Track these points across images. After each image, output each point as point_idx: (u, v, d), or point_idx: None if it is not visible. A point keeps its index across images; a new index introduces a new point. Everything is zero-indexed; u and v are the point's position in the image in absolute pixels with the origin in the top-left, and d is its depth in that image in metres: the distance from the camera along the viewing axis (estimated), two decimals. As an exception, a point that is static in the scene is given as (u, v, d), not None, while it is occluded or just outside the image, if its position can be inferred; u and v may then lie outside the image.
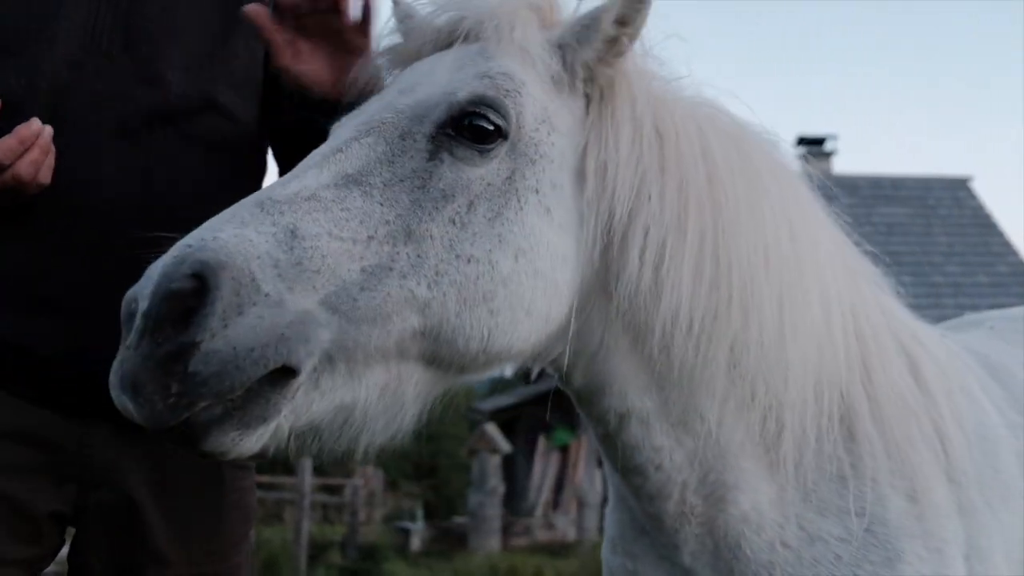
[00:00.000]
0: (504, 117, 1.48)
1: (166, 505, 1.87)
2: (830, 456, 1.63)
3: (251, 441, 1.27)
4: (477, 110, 1.46)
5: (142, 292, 1.24)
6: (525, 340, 1.47)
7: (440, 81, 1.52)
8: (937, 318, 2.69)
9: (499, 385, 27.66)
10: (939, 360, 1.82)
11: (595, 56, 1.57)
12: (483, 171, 1.45)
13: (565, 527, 17.68)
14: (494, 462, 16.43)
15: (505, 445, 16.90)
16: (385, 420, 1.42)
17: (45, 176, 1.72)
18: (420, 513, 18.60)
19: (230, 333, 1.21)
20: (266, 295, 1.24)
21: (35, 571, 1.84)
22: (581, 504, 17.31)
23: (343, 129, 1.52)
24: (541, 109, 1.53)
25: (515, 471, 20.89)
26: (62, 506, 1.83)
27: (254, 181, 2.03)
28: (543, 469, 20.11)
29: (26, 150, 1.68)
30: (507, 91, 1.50)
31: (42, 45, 1.82)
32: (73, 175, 1.78)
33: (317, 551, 13.87)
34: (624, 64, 1.60)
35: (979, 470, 1.73)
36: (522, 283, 1.43)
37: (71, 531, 1.92)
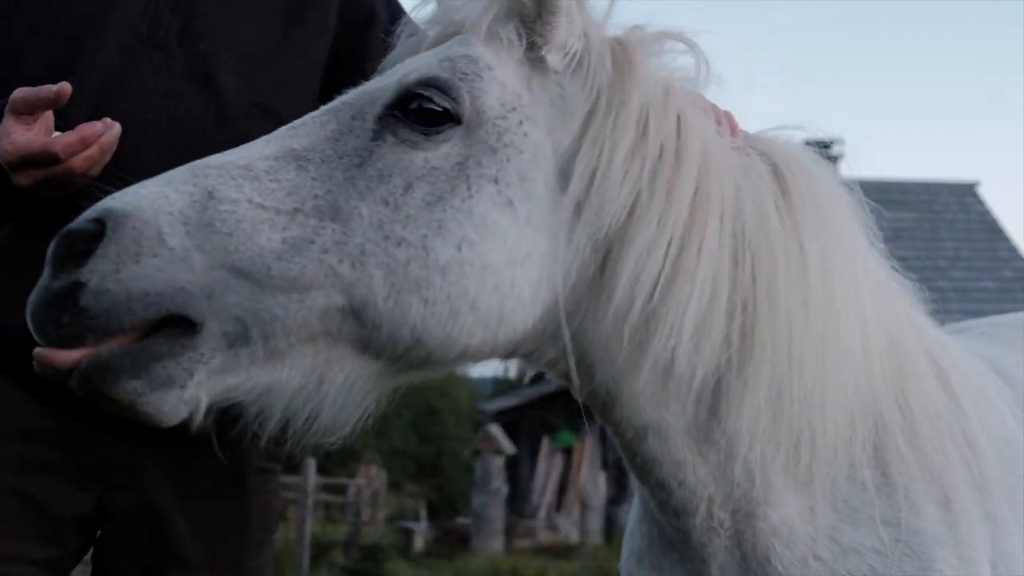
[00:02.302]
0: (455, 100, 1.41)
1: (189, 508, 1.87)
2: (863, 471, 1.59)
3: (161, 399, 1.29)
4: (423, 92, 1.41)
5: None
6: (471, 336, 1.39)
7: (411, 65, 1.48)
8: (943, 324, 2.68)
9: (503, 386, 27.66)
10: (962, 367, 1.79)
11: (563, 29, 1.46)
12: (428, 155, 1.40)
13: (568, 529, 17.68)
14: (498, 463, 16.44)
15: (509, 446, 16.91)
16: (315, 409, 1.38)
17: (96, 170, 1.71)
18: (423, 513, 18.61)
19: (123, 277, 1.27)
20: (171, 249, 1.29)
21: (58, 571, 1.84)
22: (584, 506, 17.30)
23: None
24: (512, 96, 1.45)
25: (518, 472, 20.90)
26: (84, 508, 1.82)
27: None
28: (546, 471, 20.11)
29: (86, 147, 1.68)
30: (465, 74, 1.43)
31: (96, 31, 1.82)
32: (118, 173, 1.78)
33: (320, 550, 13.88)
34: (634, 52, 1.49)
35: (1004, 475, 1.71)
36: (465, 275, 1.36)
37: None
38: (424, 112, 1.40)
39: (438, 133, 1.40)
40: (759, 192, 1.49)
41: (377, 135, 1.41)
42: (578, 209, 1.42)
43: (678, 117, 1.47)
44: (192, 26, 1.88)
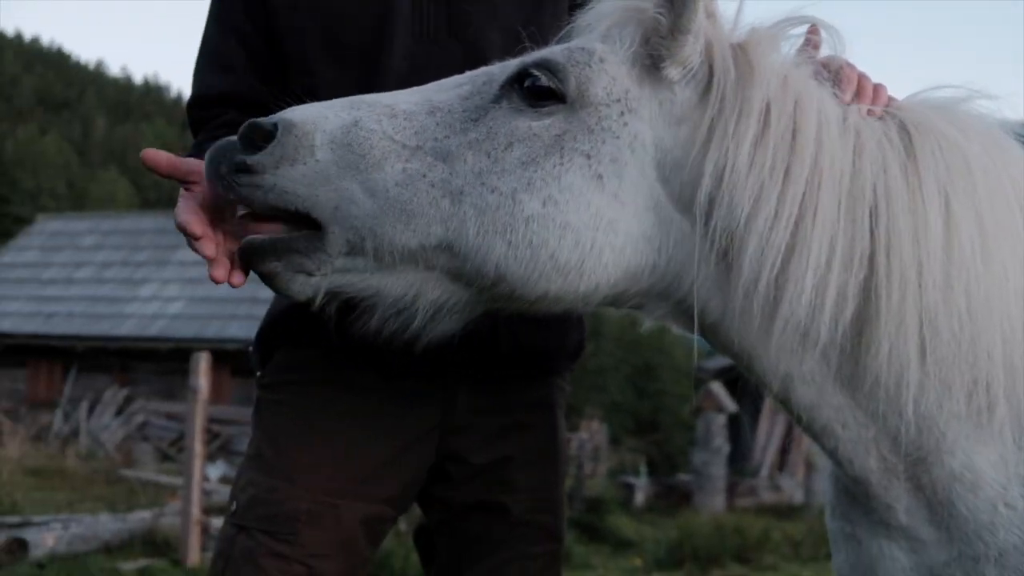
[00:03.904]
0: (562, 81, 1.60)
1: (519, 440, 2.13)
2: None
3: (291, 280, 1.61)
4: (536, 71, 1.61)
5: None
6: (549, 282, 1.58)
7: (546, 49, 1.69)
8: None
9: (724, 343, 27.12)
10: None
11: (686, 25, 1.57)
12: (532, 123, 1.60)
13: (792, 489, 17.29)
14: (719, 421, 16.28)
15: (731, 404, 16.69)
16: (410, 314, 1.65)
17: None
18: (643, 469, 18.72)
19: (280, 172, 1.57)
20: (317, 160, 1.58)
21: (403, 508, 2.15)
22: (809, 466, 16.84)
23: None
24: (620, 89, 1.61)
25: (740, 431, 20.60)
26: (429, 455, 2.10)
27: None
28: (769, 430, 19.71)
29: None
30: (577, 61, 1.62)
31: (384, 45, 2.00)
32: None
33: (543, 501, 14.23)
34: (753, 54, 1.59)
35: None
36: (547, 228, 1.55)
37: None
38: (535, 88, 1.61)
39: (544, 107, 1.60)
40: (883, 153, 1.56)
41: (496, 99, 1.63)
42: (711, 204, 1.56)
43: (795, 103, 1.57)
44: (457, 14, 2.01)
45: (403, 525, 7.32)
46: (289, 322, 2.11)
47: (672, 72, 1.60)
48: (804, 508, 15.45)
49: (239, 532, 1.99)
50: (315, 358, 2.07)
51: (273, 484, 2.00)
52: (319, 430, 2.04)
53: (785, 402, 1.67)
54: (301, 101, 1.89)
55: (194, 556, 8.79)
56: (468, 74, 1.71)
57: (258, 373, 2.19)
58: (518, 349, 2.07)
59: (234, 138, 1.62)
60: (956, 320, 1.52)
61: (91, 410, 21.02)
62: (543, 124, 1.59)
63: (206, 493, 10.19)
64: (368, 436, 2.04)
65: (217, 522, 8.37)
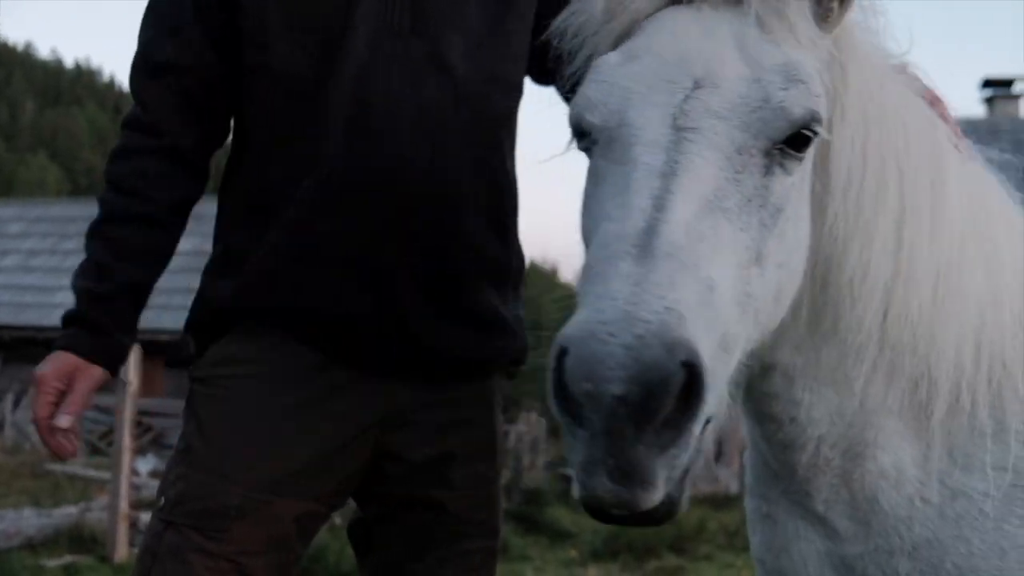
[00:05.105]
0: (821, 124, 1.45)
1: (457, 437, 2.09)
2: (981, 416, 1.62)
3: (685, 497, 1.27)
4: (812, 126, 1.42)
5: (608, 374, 1.14)
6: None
7: (741, 75, 1.41)
8: None
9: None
10: None
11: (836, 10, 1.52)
12: (793, 177, 1.43)
13: (728, 480, 17.54)
14: (655, 413, 16.41)
15: (667, 396, 16.85)
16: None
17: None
18: (581, 461, 18.79)
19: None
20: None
21: (337, 505, 2.12)
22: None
23: (639, 112, 1.40)
24: (824, 85, 1.50)
25: (676, 422, 20.78)
26: (365, 454, 2.04)
27: (513, 142, 2.18)
28: (705, 421, 19.96)
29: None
30: (817, 96, 1.44)
31: (348, 31, 1.95)
32: (383, 158, 1.93)
33: (481, 493, 14.23)
34: (852, 29, 1.56)
35: None
36: (795, 273, 1.47)
37: None
38: (803, 141, 1.42)
39: (806, 150, 1.44)
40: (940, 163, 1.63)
41: (767, 169, 1.39)
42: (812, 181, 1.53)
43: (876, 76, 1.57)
44: (421, 11, 1.99)
45: (338, 519, 7.24)
46: (225, 315, 2.05)
47: (836, 32, 1.54)
48: (740, 498, 15.66)
49: (167, 528, 1.94)
50: (251, 352, 2.03)
51: (204, 479, 1.95)
52: (253, 425, 1.99)
53: (750, 389, 1.66)
54: (252, 77, 1.92)
55: (122, 551, 8.60)
56: (686, 136, 1.37)
57: (190, 366, 2.14)
58: (457, 357, 2.06)
59: (606, 475, 1.17)
60: (919, 304, 1.57)
61: (17, 402, 20.47)
62: (802, 168, 1.46)
63: (135, 487, 9.99)
64: (303, 432, 1.99)
65: (146, 517, 8.19)
